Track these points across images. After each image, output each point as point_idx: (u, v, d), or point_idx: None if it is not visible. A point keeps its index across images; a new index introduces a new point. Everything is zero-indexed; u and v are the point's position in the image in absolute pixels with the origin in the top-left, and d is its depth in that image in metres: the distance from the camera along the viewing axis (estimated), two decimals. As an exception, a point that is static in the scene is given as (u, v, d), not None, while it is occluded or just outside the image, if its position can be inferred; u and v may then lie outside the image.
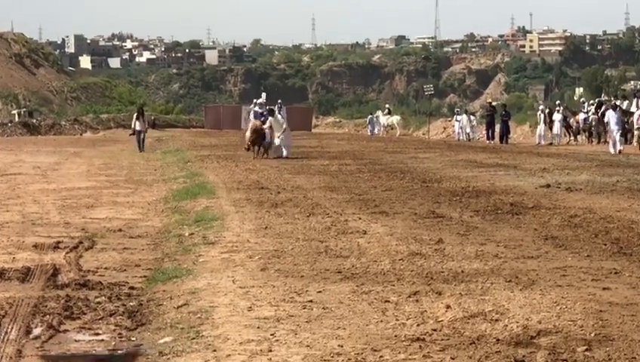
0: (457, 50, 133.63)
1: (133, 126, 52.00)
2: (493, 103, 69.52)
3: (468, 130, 64.65)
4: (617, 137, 43.54)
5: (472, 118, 68.47)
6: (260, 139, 38.30)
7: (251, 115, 43.68)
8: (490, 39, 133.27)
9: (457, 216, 18.91)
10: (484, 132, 62.09)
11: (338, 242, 15.71)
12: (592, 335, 9.39)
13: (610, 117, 45.83)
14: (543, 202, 21.09)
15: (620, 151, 42.50)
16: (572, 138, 57.13)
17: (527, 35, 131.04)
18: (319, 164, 34.91)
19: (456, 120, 68.78)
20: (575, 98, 56.71)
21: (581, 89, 60.47)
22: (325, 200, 22.08)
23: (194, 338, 9.76)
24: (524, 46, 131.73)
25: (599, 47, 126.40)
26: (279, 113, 42.43)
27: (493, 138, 58.92)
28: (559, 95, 78.47)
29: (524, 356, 8.75)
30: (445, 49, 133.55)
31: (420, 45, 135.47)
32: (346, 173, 30.83)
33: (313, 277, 12.68)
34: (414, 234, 16.48)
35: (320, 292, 11.75)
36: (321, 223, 18.03)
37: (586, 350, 8.85)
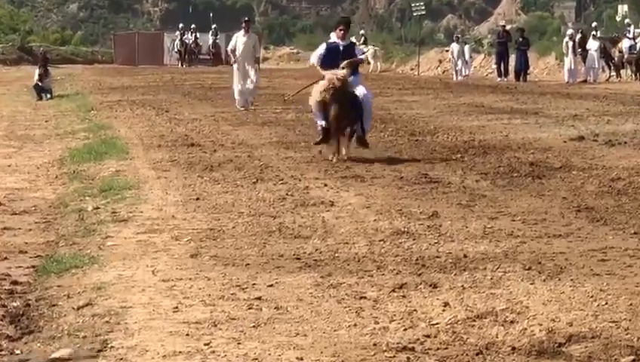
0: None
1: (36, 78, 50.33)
2: (507, 27, 69.28)
3: (459, 64, 64.08)
4: None
5: (466, 47, 67.42)
6: (346, 112, 21.81)
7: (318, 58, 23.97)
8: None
9: (458, 181, 19.11)
10: (494, 66, 61.86)
11: (296, 217, 15.88)
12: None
13: None
14: (574, 161, 21.32)
15: None
16: (613, 73, 56.79)
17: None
18: (270, 111, 34.83)
19: (449, 49, 68.37)
20: (617, 19, 56.27)
21: (625, 7, 60.03)
22: (278, 161, 22.23)
23: (100, 351, 9.68)
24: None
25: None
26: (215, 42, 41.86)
27: (507, 74, 58.84)
28: (595, 15, 77.95)
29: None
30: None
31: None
32: (306, 123, 30.67)
33: (262, 266, 12.75)
34: (400, 205, 16.68)
35: (271, 286, 11.79)
36: (272, 192, 18.24)
37: (634, 360, 8.97)
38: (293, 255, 13.33)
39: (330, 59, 21.81)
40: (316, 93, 21.53)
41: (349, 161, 21.71)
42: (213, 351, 9.47)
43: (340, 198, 17.33)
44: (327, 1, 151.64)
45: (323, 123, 21.65)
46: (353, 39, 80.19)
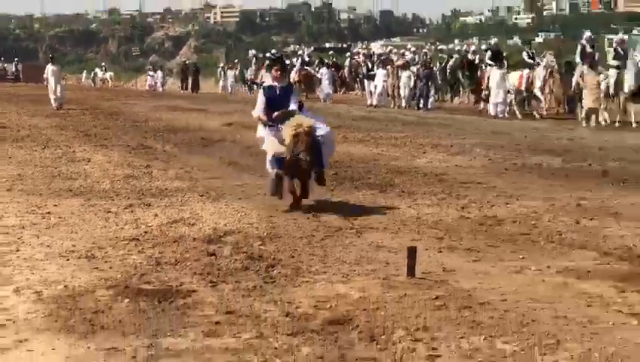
0: (158, 20, 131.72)
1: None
2: (187, 62, 68.34)
3: (159, 83, 62.61)
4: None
5: (160, 73, 65.59)
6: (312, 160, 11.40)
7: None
8: (183, 12, 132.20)
9: (161, 148, 19.15)
10: (180, 84, 60.78)
11: (68, 168, 15.78)
12: (265, 234, 9.75)
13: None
14: (226, 136, 21.47)
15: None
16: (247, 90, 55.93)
17: (212, 8, 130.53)
18: (50, 108, 33.85)
19: (149, 74, 66.32)
20: (248, 57, 56.68)
21: (253, 50, 61.06)
22: (57, 137, 21.87)
23: None
24: (209, 17, 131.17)
25: (267, 19, 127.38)
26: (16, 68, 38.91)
27: (187, 88, 57.74)
28: (235, 55, 78.87)
29: (214, 250, 8.96)
30: (148, 19, 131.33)
31: (128, 16, 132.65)
32: (72, 115, 30.35)
33: (50, 195, 12.70)
34: (128, 161, 16.69)
35: (56, 206, 11.77)
36: (54, 154, 18.00)
37: (261, 244, 9.25)
38: (68, 188, 13.23)
39: (270, 107, 11.57)
40: (274, 143, 11.44)
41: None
42: (23, 242, 9.47)
43: (94, 157, 17.11)
44: (82, 45, 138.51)
45: (277, 171, 11.48)
46: (97, 69, 75.61)
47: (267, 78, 12.98)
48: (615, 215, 10.77)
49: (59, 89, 33.98)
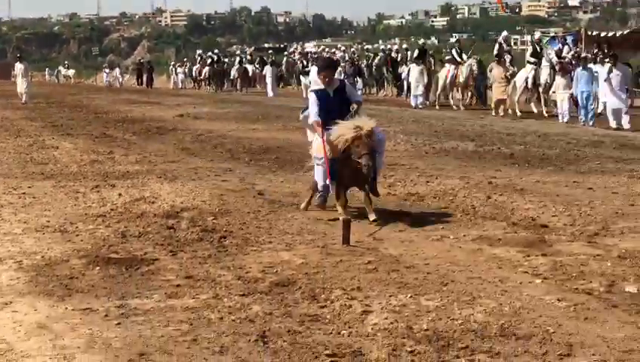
0: (114, 23, 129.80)
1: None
2: (142, 60, 67.59)
3: (119, 79, 61.82)
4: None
5: (118, 70, 64.71)
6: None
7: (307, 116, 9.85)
8: (137, 15, 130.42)
9: (121, 136, 19.02)
10: (136, 80, 60.05)
11: (39, 154, 15.64)
12: (217, 210, 9.79)
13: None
14: (178, 126, 21.42)
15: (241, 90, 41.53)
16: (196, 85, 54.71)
17: (163, 13, 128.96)
18: (19, 102, 33.35)
19: (105, 72, 64.86)
20: (195, 56, 56.14)
21: (199, 50, 60.47)
22: (27, 127, 21.64)
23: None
24: (160, 21, 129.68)
25: (212, 22, 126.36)
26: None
27: (142, 84, 57.01)
28: (184, 54, 78.10)
29: (173, 224, 9.00)
30: (106, 22, 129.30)
31: (88, 19, 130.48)
32: (40, 108, 30.03)
33: (24, 178, 12.62)
34: (92, 148, 16.56)
35: (30, 187, 11.70)
36: (25, 142, 17.84)
37: (213, 219, 9.28)
38: (40, 172, 13.18)
39: (324, 110, 9.21)
40: (331, 146, 8.99)
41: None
42: (2, 219, 9.43)
43: (62, 145, 17.01)
44: (46, 46, 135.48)
45: (329, 181, 9.18)
46: (61, 67, 73.34)
47: (316, 83, 10.52)
48: (521, 191, 10.92)
49: (25, 85, 33.46)
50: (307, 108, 9.67)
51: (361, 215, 9.37)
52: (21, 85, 33.43)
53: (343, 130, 8.80)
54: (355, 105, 9.32)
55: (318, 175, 9.47)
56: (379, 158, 9.20)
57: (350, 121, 8.95)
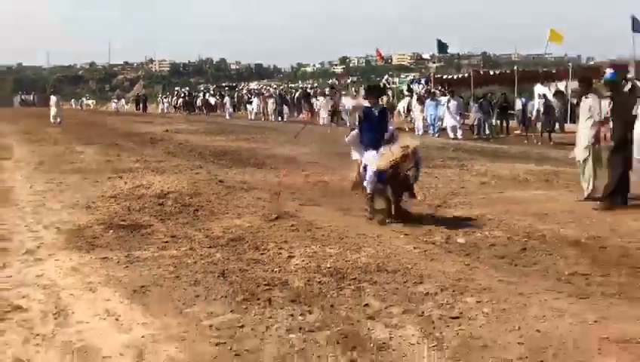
0: (120, 68, 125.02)
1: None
2: (139, 94, 65.50)
3: (124, 107, 59.64)
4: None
5: (123, 100, 62.52)
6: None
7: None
8: (135, 63, 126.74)
9: (126, 144, 18.47)
10: (135, 107, 57.85)
11: (71, 157, 15.08)
12: (192, 192, 9.51)
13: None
14: (165, 137, 20.92)
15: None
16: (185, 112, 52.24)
17: (153, 61, 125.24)
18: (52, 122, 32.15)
19: (114, 101, 61.70)
20: (174, 92, 54.54)
21: (177, 88, 59.01)
22: (61, 139, 20.79)
23: None
24: (152, 67, 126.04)
25: (187, 68, 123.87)
26: (34, 97, 33.96)
27: (140, 110, 54.90)
28: (168, 90, 76.01)
29: (162, 202, 8.80)
30: (114, 68, 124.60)
31: (102, 66, 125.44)
32: (69, 126, 28.39)
33: (60, 173, 12.15)
34: (106, 152, 16.07)
35: (65, 179, 11.28)
36: (61, 149, 17.09)
37: (190, 198, 9.10)
38: (71, 169, 12.42)
39: (367, 127, 7.78)
40: (374, 160, 7.57)
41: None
42: (47, 199, 9.12)
43: (85, 150, 16.23)
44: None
45: (381, 186, 7.66)
46: (83, 98, 69.86)
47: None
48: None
49: (57, 111, 32.43)
50: (352, 130, 8.12)
51: (290, 198, 9.42)
52: (54, 112, 32.40)
53: (394, 149, 7.59)
54: (392, 131, 7.99)
55: (369, 181, 7.76)
56: (418, 171, 7.88)
57: (400, 141, 7.76)
